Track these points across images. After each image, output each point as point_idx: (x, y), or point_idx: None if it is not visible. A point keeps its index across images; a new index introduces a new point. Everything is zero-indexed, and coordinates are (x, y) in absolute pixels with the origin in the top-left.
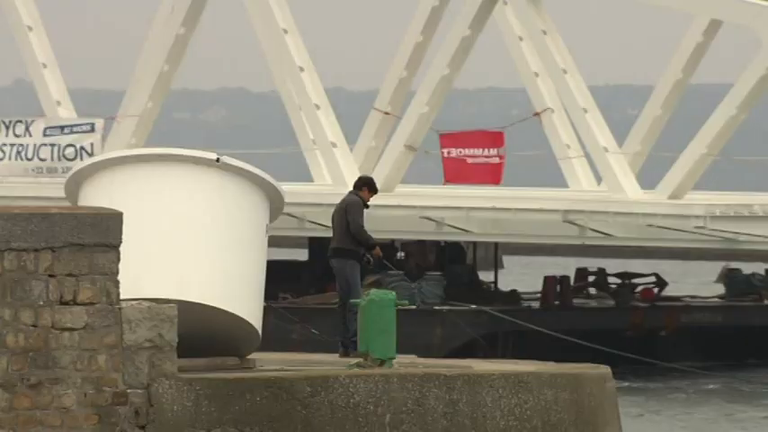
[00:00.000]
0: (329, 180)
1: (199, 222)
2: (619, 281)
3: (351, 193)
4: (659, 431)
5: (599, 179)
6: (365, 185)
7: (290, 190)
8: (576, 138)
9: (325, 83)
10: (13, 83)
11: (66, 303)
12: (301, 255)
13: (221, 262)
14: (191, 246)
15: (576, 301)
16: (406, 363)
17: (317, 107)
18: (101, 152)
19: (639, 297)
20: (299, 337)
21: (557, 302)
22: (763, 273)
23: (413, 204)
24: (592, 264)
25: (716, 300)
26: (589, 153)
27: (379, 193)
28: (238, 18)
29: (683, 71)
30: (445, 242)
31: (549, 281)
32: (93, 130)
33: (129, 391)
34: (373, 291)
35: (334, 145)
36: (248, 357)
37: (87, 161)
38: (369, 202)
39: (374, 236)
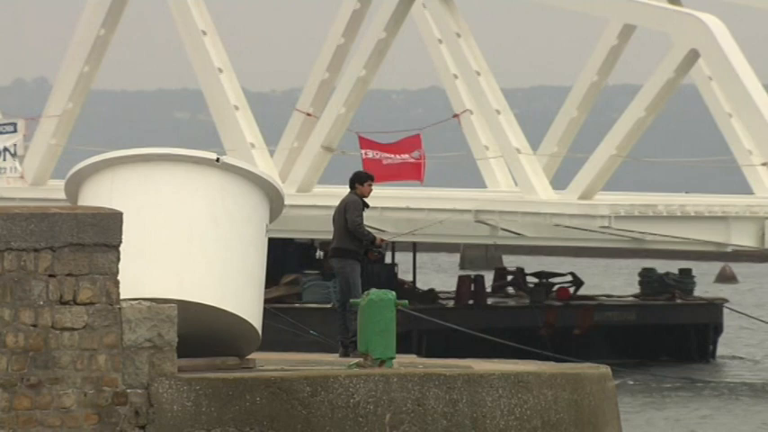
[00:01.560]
0: None
1: (198, 222)
2: (537, 280)
3: (349, 193)
4: (659, 431)
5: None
6: (354, 182)
7: None
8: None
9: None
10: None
11: (66, 303)
12: None
13: (221, 262)
14: (190, 246)
15: (494, 300)
16: (406, 363)
17: (236, 108)
18: (23, 152)
19: (555, 296)
20: None
21: (471, 301)
22: (677, 272)
23: (329, 204)
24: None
25: (630, 299)
26: (503, 154)
27: (296, 194)
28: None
29: (598, 73)
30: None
31: (463, 280)
32: (15, 130)
33: (128, 391)
34: (373, 291)
35: (252, 146)
36: (248, 357)
37: (87, 161)
38: (368, 197)
39: (292, 236)
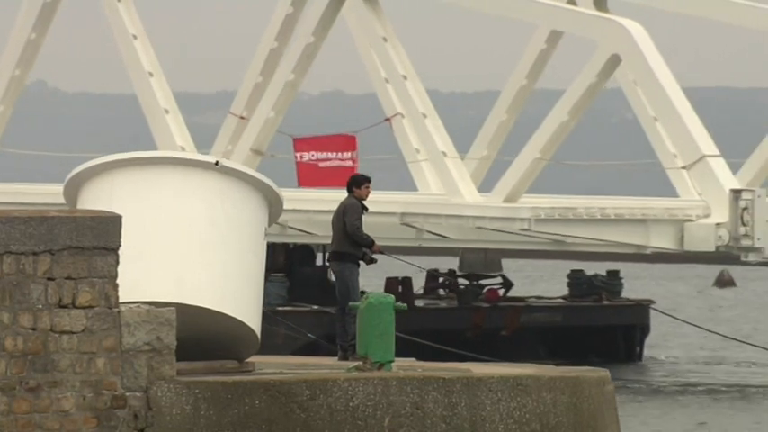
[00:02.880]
0: None
1: (197, 225)
2: (467, 282)
3: (348, 196)
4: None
5: None
6: (352, 185)
7: None
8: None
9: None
10: None
11: (65, 306)
12: None
13: (220, 265)
14: (189, 249)
15: (425, 301)
16: (405, 366)
17: (167, 112)
18: None
19: (484, 298)
20: None
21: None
22: (604, 274)
23: None
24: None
25: (559, 300)
26: (429, 158)
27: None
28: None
29: (527, 77)
30: (294, 244)
31: (390, 282)
32: None
33: (127, 394)
34: (372, 294)
35: (182, 149)
36: (247, 360)
37: (86, 164)
38: (366, 200)
39: None
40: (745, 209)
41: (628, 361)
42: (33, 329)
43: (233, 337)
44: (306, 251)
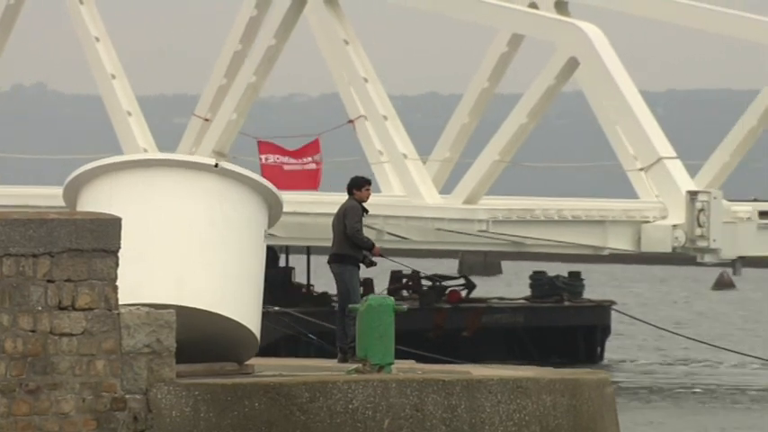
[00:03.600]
0: None
1: (197, 227)
2: (429, 283)
3: (348, 198)
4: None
5: None
6: (352, 187)
7: None
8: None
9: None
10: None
11: (65, 309)
12: None
13: (220, 267)
14: (189, 251)
15: None
16: (405, 368)
17: (129, 114)
18: None
19: (446, 299)
20: None
21: None
22: (566, 275)
23: None
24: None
25: (521, 301)
26: (391, 160)
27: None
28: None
29: (488, 80)
30: None
31: None
32: None
33: (127, 396)
34: (371, 296)
35: (145, 150)
36: (247, 363)
37: (86, 166)
38: (366, 202)
39: None
40: (701, 210)
41: (589, 362)
42: (33, 331)
43: (233, 339)
44: (269, 253)
